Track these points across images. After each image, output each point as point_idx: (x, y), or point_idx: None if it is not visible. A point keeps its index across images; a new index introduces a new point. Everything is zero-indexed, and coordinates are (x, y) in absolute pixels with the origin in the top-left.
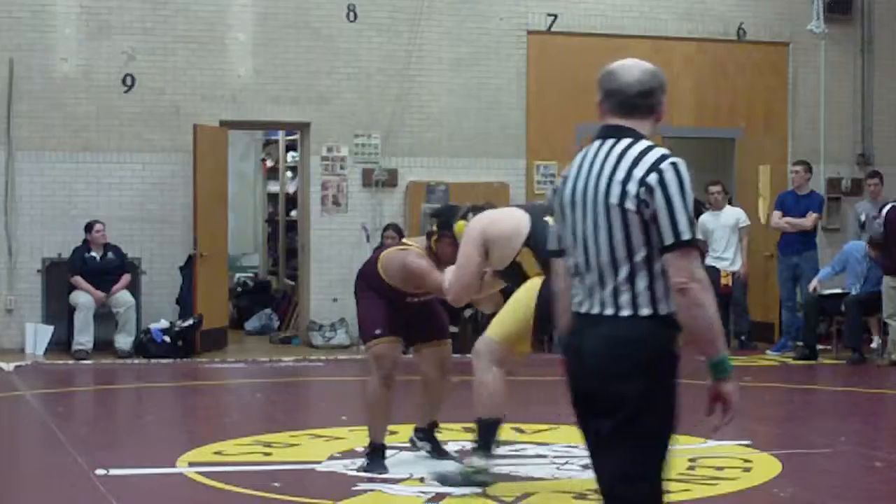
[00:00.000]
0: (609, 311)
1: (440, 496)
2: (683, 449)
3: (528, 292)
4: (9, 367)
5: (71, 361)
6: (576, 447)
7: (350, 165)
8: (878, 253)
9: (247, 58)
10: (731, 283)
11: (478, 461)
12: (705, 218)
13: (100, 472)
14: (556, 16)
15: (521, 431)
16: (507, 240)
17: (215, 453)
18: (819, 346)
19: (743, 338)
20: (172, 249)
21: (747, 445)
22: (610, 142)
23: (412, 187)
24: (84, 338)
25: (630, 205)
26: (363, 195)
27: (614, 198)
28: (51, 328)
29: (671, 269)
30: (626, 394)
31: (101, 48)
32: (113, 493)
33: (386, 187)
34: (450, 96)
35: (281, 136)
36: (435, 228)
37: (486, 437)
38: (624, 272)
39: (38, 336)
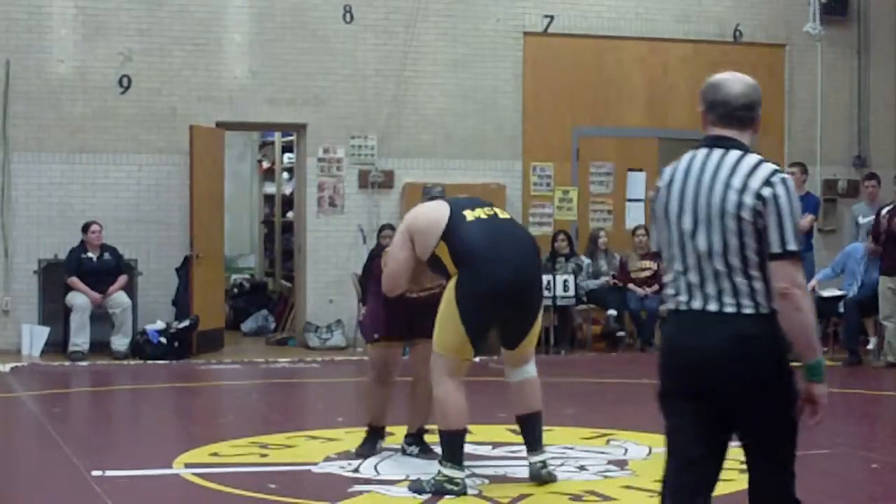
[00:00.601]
0: (730, 310)
1: (436, 497)
2: None
3: (447, 298)
4: (5, 368)
5: (67, 362)
6: (572, 448)
7: (346, 167)
8: (875, 249)
9: (243, 59)
10: None
11: (448, 470)
12: None
13: (96, 473)
14: (552, 17)
15: (518, 433)
16: (425, 232)
17: (211, 454)
18: None
19: None
20: (169, 250)
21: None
22: (719, 151)
23: (408, 189)
24: (80, 339)
25: (746, 214)
26: (359, 197)
27: (731, 206)
28: (47, 329)
29: (776, 275)
30: (762, 388)
31: (98, 49)
32: (109, 494)
33: (382, 189)
34: (446, 98)
35: (277, 138)
36: None
37: (452, 449)
38: (739, 274)
39: (34, 337)
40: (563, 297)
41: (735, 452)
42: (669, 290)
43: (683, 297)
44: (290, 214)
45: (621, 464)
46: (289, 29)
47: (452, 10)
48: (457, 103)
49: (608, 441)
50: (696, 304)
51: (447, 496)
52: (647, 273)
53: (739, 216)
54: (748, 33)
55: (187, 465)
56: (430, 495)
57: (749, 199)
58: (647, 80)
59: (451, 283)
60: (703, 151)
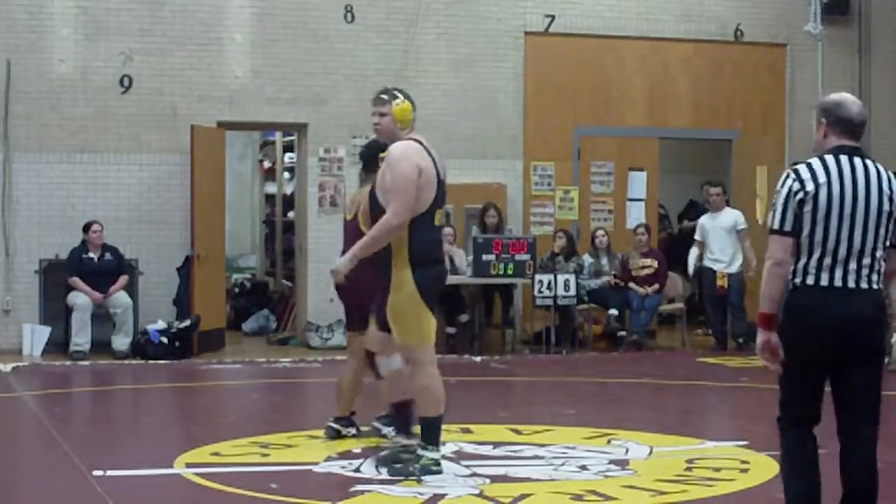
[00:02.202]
0: (864, 286)
1: (437, 497)
2: (681, 450)
3: (408, 290)
4: (6, 367)
5: (68, 362)
6: (573, 448)
7: (347, 166)
8: None
9: (244, 59)
10: (726, 286)
11: (432, 454)
12: (704, 219)
13: (97, 472)
14: (553, 17)
15: (519, 433)
16: (427, 183)
17: (213, 454)
18: None
19: (741, 340)
20: (170, 250)
21: (745, 446)
22: (857, 159)
23: None
24: (81, 339)
25: (890, 216)
26: None
27: (886, 206)
28: (48, 329)
29: (893, 259)
30: (881, 343)
31: (99, 49)
32: (110, 493)
33: None
34: (447, 97)
35: (278, 137)
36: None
37: (436, 434)
38: (877, 259)
39: (35, 337)
40: (564, 297)
41: (734, 452)
42: (810, 271)
43: (824, 275)
44: (291, 214)
45: (622, 463)
46: (290, 28)
47: (453, 9)
48: (458, 103)
49: (609, 441)
50: (838, 282)
51: (432, 477)
52: (648, 272)
53: (891, 213)
54: (749, 33)
55: (188, 465)
56: (416, 479)
57: (890, 206)
58: (648, 80)
59: (406, 276)
60: (843, 158)
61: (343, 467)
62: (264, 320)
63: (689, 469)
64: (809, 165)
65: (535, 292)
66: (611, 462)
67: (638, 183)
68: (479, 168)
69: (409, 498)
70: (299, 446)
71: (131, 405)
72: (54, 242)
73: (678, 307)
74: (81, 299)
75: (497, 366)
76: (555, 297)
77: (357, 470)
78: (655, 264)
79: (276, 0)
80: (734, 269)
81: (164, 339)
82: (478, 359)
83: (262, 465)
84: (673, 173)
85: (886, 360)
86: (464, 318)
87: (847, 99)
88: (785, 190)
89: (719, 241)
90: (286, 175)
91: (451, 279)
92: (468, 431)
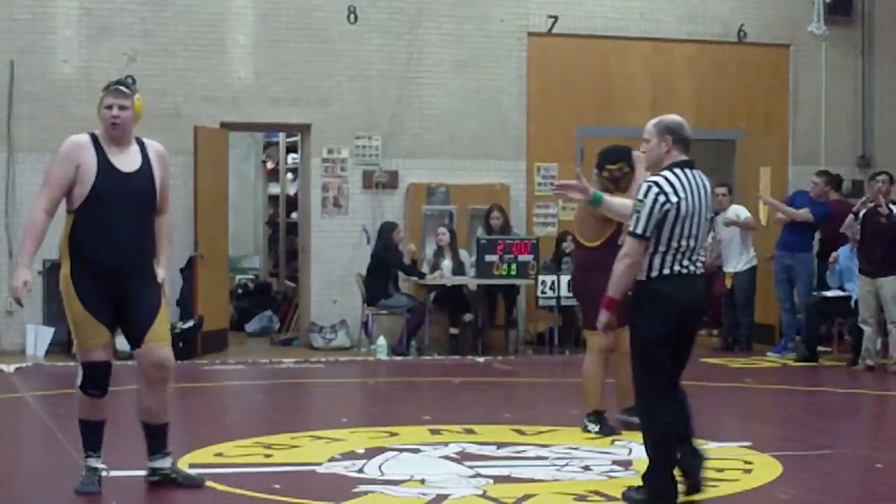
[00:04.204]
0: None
1: (441, 497)
2: None
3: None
4: (9, 368)
5: (71, 363)
6: (576, 449)
7: (351, 167)
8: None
9: (247, 60)
10: (732, 285)
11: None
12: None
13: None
14: (556, 17)
15: (522, 433)
16: None
17: (216, 455)
18: (820, 348)
19: (743, 340)
20: (173, 251)
21: (748, 447)
22: (695, 172)
23: (413, 189)
24: None
25: None
26: (364, 197)
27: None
28: (51, 330)
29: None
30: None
31: (102, 50)
32: (113, 494)
33: (386, 189)
34: (450, 98)
35: (281, 138)
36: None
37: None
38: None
39: (38, 338)
40: (567, 298)
41: (737, 453)
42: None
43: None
44: (294, 215)
45: (626, 464)
46: (293, 30)
47: (456, 10)
48: (461, 104)
49: (612, 441)
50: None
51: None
52: None
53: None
54: (752, 33)
55: (192, 466)
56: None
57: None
58: (651, 81)
59: None
60: (689, 171)
61: (346, 468)
62: (267, 321)
63: None
64: (668, 180)
65: (539, 293)
66: (614, 462)
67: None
68: (482, 169)
69: (412, 498)
70: (302, 447)
71: (134, 406)
72: (57, 243)
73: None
74: None
75: (500, 366)
76: (558, 298)
77: (360, 470)
78: None
79: (279, 1)
80: (740, 268)
81: None
82: (481, 359)
83: (265, 465)
84: None
85: (887, 361)
86: (467, 318)
87: (682, 120)
88: (650, 200)
89: (726, 239)
90: (289, 176)
91: (455, 279)
92: (471, 432)
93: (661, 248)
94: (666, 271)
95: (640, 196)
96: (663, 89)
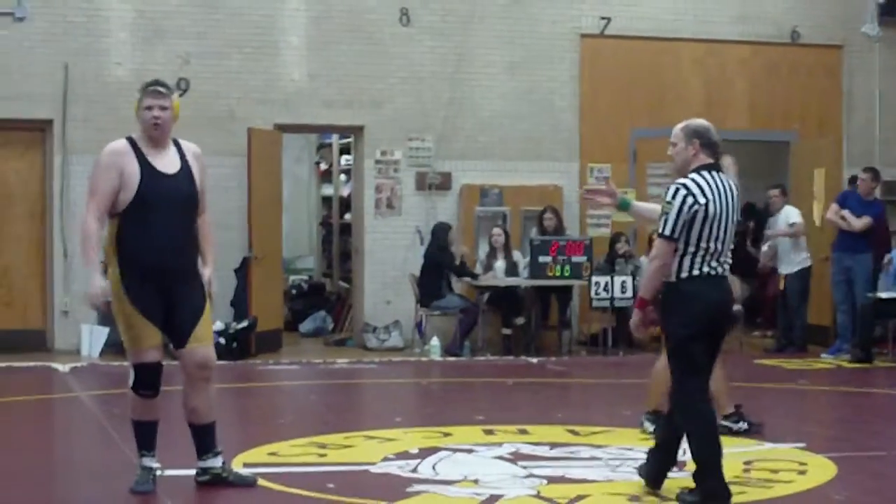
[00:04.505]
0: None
1: (494, 497)
2: (739, 451)
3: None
4: (65, 368)
5: (126, 363)
6: (630, 449)
7: (404, 169)
8: None
9: (300, 62)
10: (784, 286)
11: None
12: (770, 221)
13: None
14: (609, 19)
15: (576, 433)
16: None
17: (270, 454)
18: (874, 350)
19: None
20: (228, 252)
21: (802, 448)
22: (721, 175)
23: (466, 190)
24: None
25: None
26: (417, 198)
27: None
28: (106, 329)
29: None
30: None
31: (156, 52)
32: (166, 492)
33: (439, 190)
34: (503, 100)
35: (335, 140)
36: None
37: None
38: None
39: (93, 337)
40: (621, 299)
41: (791, 454)
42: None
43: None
44: (347, 216)
45: (680, 465)
46: (345, 32)
47: (508, 12)
48: (513, 105)
49: None
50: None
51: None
52: None
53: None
54: (806, 34)
55: (246, 465)
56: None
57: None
58: (704, 82)
59: None
60: (716, 174)
61: (400, 468)
62: (321, 321)
63: (746, 470)
64: (696, 182)
65: (592, 294)
66: None
67: None
68: (535, 170)
69: (466, 498)
70: (356, 447)
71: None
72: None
73: (737, 309)
74: None
75: (554, 367)
76: (611, 299)
77: (414, 470)
78: None
79: (331, 3)
80: (793, 269)
81: (222, 340)
82: (534, 360)
83: (319, 465)
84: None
85: None
86: (520, 320)
87: (709, 124)
88: (678, 202)
89: (778, 241)
90: (343, 177)
91: (508, 280)
92: (525, 432)
93: (691, 249)
94: (695, 272)
95: (669, 198)
96: (716, 91)
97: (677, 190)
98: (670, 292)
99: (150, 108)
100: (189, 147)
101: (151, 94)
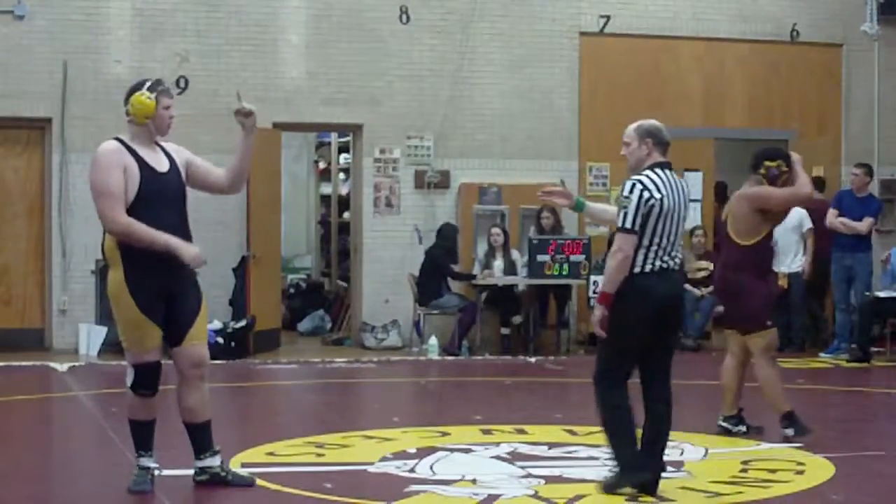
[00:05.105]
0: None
1: (492, 497)
2: (736, 451)
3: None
4: (63, 367)
5: (124, 362)
6: None
7: (402, 167)
8: None
9: (299, 60)
10: (787, 285)
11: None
12: None
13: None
14: (608, 17)
15: (574, 433)
16: None
17: (268, 454)
18: (873, 349)
19: (796, 340)
20: (226, 251)
21: (800, 448)
22: (671, 172)
23: (464, 189)
24: None
25: None
26: (416, 197)
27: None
28: (104, 329)
29: None
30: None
31: (155, 50)
32: (165, 492)
33: (438, 189)
34: (502, 98)
35: (333, 138)
36: (784, 168)
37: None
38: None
39: (91, 337)
40: None
41: (789, 454)
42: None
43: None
44: (346, 215)
45: (677, 465)
46: (345, 30)
47: (508, 10)
48: (513, 103)
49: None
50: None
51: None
52: (704, 273)
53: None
54: (805, 33)
55: (243, 465)
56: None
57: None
58: (703, 80)
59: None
60: (668, 172)
61: (398, 467)
62: (319, 321)
63: (744, 470)
64: (651, 179)
65: (590, 293)
66: (666, 463)
67: (693, 184)
68: (534, 168)
69: (464, 498)
70: (354, 446)
71: None
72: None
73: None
74: None
75: (552, 367)
76: None
77: (412, 470)
78: (711, 266)
79: (331, 1)
80: (795, 268)
81: (220, 340)
82: (532, 359)
83: (316, 464)
84: (729, 174)
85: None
86: (518, 319)
87: (660, 124)
88: (636, 196)
89: (782, 239)
90: (341, 176)
91: (506, 279)
92: (523, 432)
93: (645, 244)
94: (648, 267)
95: (626, 193)
96: (715, 89)
97: (634, 185)
98: (625, 286)
99: (168, 107)
100: (169, 146)
101: (167, 94)
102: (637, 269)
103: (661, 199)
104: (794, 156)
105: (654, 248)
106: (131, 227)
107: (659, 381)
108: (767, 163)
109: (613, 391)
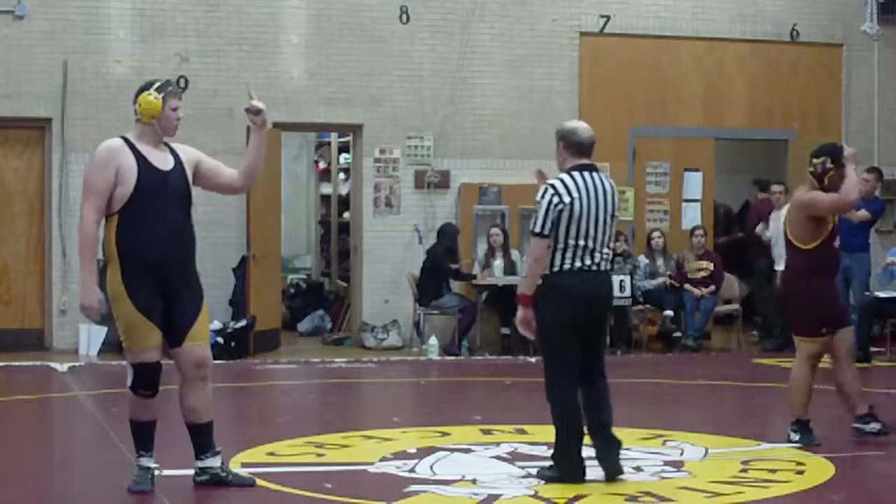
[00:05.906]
0: (604, 268)
1: (492, 497)
2: (736, 451)
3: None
4: (63, 367)
5: (124, 362)
6: (628, 449)
7: (402, 167)
8: None
9: (300, 60)
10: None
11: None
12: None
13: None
14: (608, 17)
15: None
16: None
17: (268, 454)
18: (873, 349)
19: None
20: (226, 251)
21: (800, 448)
22: (593, 174)
23: (464, 189)
24: None
25: None
26: (416, 197)
27: (611, 210)
28: (104, 329)
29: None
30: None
31: (155, 50)
32: (165, 492)
33: (438, 189)
34: (502, 98)
35: (333, 138)
36: (829, 165)
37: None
38: (610, 248)
39: (91, 337)
40: (620, 298)
41: (789, 454)
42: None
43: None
44: (346, 215)
45: (677, 465)
46: (345, 30)
47: (508, 10)
48: (513, 103)
49: (664, 442)
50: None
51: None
52: (704, 273)
53: (614, 218)
54: (805, 33)
55: (244, 465)
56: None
57: (614, 210)
58: (703, 80)
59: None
60: (586, 174)
61: (398, 467)
62: (319, 321)
63: (744, 470)
64: (563, 182)
65: None
66: (666, 463)
67: (693, 183)
68: (533, 168)
69: (464, 498)
70: (354, 446)
71: None
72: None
73: (734, 308)
74: None
75: None
76: None
77: (412, 470)
78: (711, 266)
79: (331, 1)
80: None
81: (220, 340)
82: (533, 359)
83: (317, 464)
84: (729, 174)
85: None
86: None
87: (580, 126)
88: (545, 202)
89: (782, 238)
90: (341, 176)
91: (506, 279)
92: (523, 432)
93: (560, 246)
94: (566, 266)
95: (538, 198)
96: (716, 89)
97: (546, 190)
98: (542, 285)
99: (176, 108)
100: (177, 146)
101: (176, 95)
102: (555, 269)
103: (572, 203)
104: (847, 151)
105: (570, 249)
106: (86, 231)
107: (588, 383)
108: (814, 160)
109: (562, 395)
